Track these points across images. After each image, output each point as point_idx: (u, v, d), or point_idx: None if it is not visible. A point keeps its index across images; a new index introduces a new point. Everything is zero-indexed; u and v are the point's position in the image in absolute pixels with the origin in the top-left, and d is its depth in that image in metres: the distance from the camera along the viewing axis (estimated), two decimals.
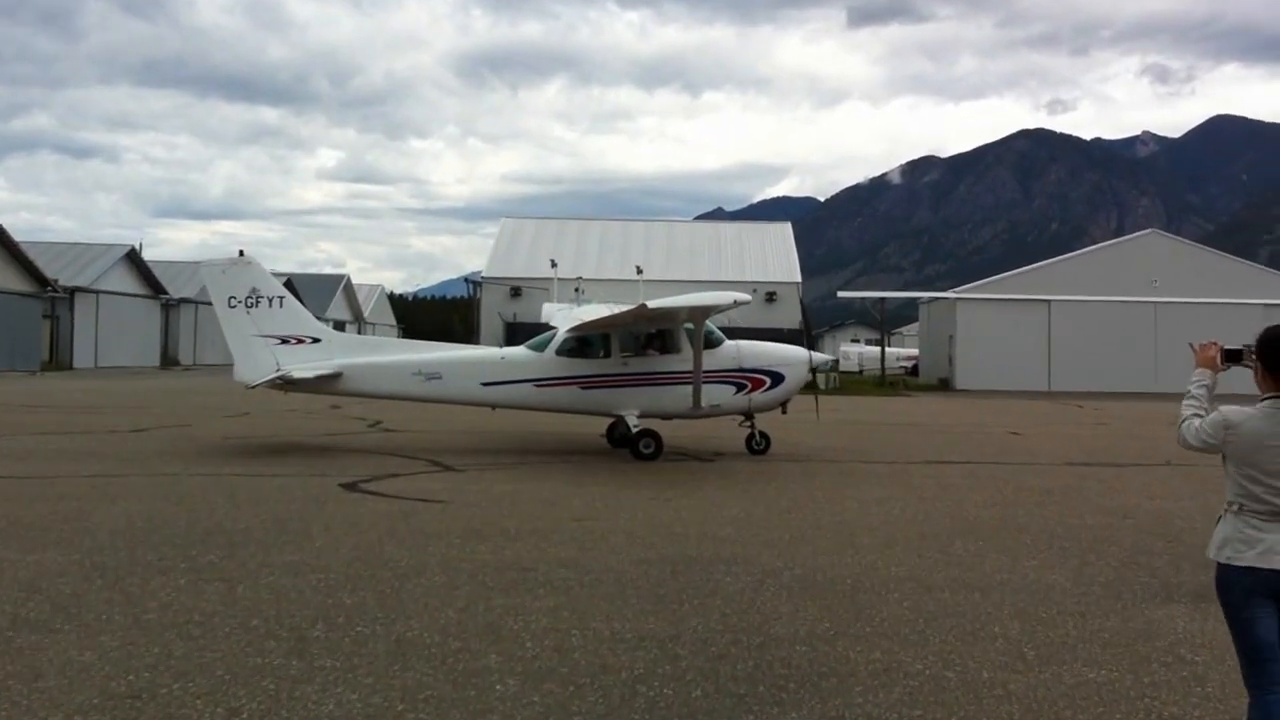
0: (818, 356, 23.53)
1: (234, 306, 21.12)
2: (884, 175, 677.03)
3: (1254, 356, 5.62)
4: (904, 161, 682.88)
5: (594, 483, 16.89)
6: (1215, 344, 5.95)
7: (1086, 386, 55.41)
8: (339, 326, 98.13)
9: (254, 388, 21.02)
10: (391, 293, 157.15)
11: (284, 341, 21.06)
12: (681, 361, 20.76)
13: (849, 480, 17.86)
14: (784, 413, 22.28)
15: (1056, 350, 58.38)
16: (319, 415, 28.53)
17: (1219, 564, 5.55)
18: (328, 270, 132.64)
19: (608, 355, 21.00)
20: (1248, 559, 5.39)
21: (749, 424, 21.72)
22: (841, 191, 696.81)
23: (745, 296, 19.46)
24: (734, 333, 22.93)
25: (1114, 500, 16.20)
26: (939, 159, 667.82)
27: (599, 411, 21.37)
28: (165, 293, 72.83)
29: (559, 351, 21.08)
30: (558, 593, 9.55)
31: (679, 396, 20.69)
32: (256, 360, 20.96)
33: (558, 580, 10.03)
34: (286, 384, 20.76)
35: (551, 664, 7.52)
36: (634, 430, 20.36)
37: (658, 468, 19.16)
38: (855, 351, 79.07)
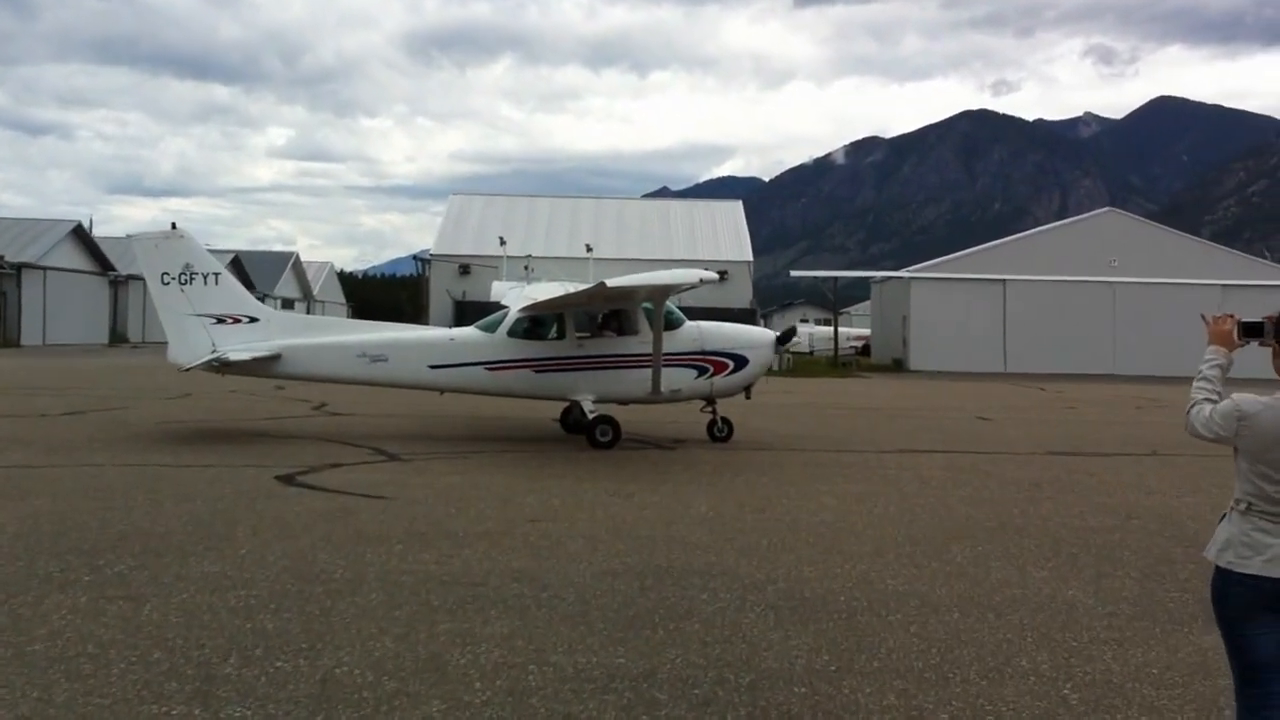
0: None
1: (167, 283, 19.62)
2: (828, 156, 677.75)
3: (1274, 338, 4.92)
4: (848, 142, 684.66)
5: (549, 475, 15.63)
6: (1231, 317, 5.15)
7: (1043, 368, 54.74)
8: (288, 305, 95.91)
9: (188, 370, 19.57)
10: (342, 270, 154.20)
11: (220, 321, 19.60)
12: (640, 343, 19.50)
13: (821, 473, 16.70)
14: (748, 398, 21.08)
15: (1012, 331, 57.63)
16: (262, 397, 26.96)
17: (1218, 568, 4.88)
18: (278, 248, 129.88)
19: (562, 336, 19.71)
20: (1253, 566, 4.72)
21: (711, 409, 20.53)
22: (786, 172, 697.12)
23: (712, 275, 18.25)
24: (686, 314, 21.74)
25: (1110, 496, 15.14)
26: (882, 140, 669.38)
27: (553, 396, 20.08)
28: (114, 269, 70.62)
29: (511, 333, 19.77)
30: (512, 614, 8.30)
31: (637, 381, 19.44)
32: (191, 340, 19.50)
33: (511, 598, 8.77)
34: (223, 366, 19.30)
35: (504, 713, 6.29)
36: (590, 416, 19.11)
37: (616, 458, 17.91)
38: (806, 332, 78.02)
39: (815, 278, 74.39)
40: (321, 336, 19.94)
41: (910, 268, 63.82)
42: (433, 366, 19.45)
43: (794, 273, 71.02)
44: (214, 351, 19.15)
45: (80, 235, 67.55)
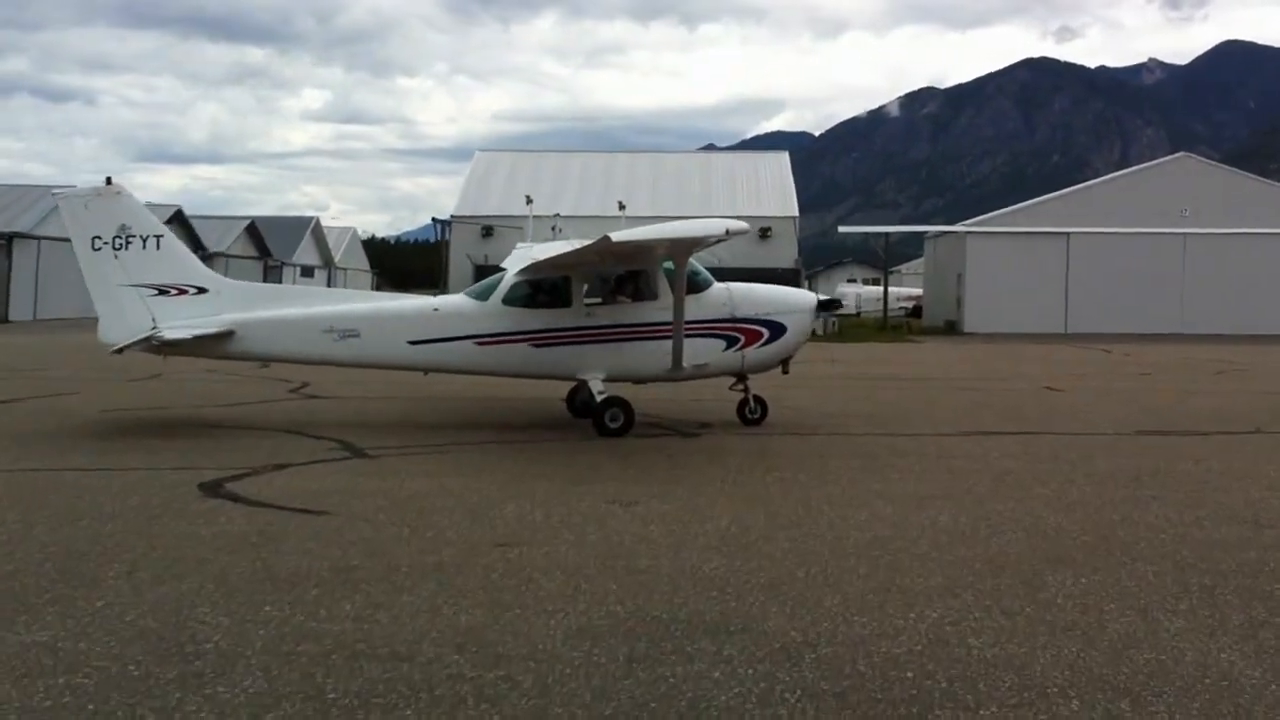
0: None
1: (99, 249, 16.84)
2: (882, 108, 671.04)
3: None
4: (903, 93, 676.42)
5: (538, 475, 12.96)
6: None
7: (1107, 328, 51.49)
8: (306, 272, 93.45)
9: (121, 351, 16.77)
10: (372, 236, 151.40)
11: (161, 292, 16.83)
12: (659, 310, 16.75)
13: (872, 466, 13.93)
14: (785, 372, 18.32)
15: (1075, 288, 54.34)
16: (241, 378, 24.04)
17: None
18: (309, 213, 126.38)
19: (567, 304, 16.97)
20: None
21: (742, 387, 17.79)
22: (838, 125, 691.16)
23: (741, 224, 15.38)
24: (722, 274, 19.02)
25: (1227, 493, 12.33)
26: (939, 90, 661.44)
27: (555, 375, 17.29)
28: None
29: (507, 300, 17.05)
30: (434, 717, 5.71)
31: (655, 355, 16.69)
32: (125, 316, 16.70)
33: (442, 683, 6.19)
34: (163, 346, 16.59)
35: None
36: (599, 398, 16.43)
37: (626, 449, 15.17)
38: (853, 292, 75.15)
39: (865, 234, 70.99)
40: (282, 309, 17.13)
41: (966, 221, 60.53)
42: (413, 342, 16.75)
43: (842, 229, 67.61)
44: (153, 328, 16.51)
45: None
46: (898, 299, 67.77)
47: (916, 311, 67.29)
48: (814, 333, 19.18)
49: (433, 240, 69.21)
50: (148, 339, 16.39)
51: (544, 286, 17.15)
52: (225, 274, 72.15)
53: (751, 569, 8.70)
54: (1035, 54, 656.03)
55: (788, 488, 12.24)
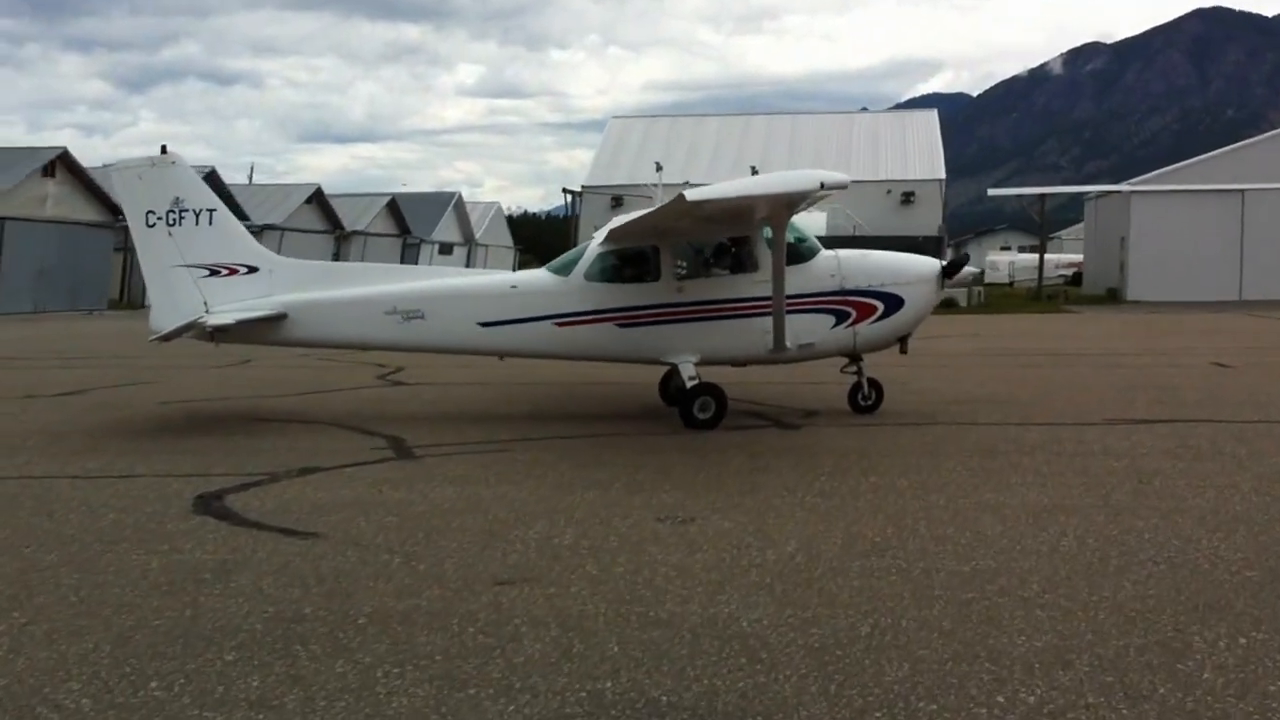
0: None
1: (153, 225, 15.44)
2: (1044, 65, 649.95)
3: None
4: (1066, 50, 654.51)
5: (595, 480, 11.06)
6: None
7: None
8: (445, 249, 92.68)
9: (167, 339, 15.41)
10: (524, 211, 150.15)
11: (213, 273, 15.39)
12: (758, 284, 14.73)
13: (990, 466, 11.75)
14: (904, 352, 16.13)
15: (1251, 251, 50.31)
16: (333, 364, 22.60)
17: None
18: (465, 190, 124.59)
19: (656, 278, 15.08)
20: None
21: (855, 369, 15.69)
22: (996, 85, 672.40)
23: (839, 176, 13.17)
24: (859, 242, 16.79)
25: None
26: (1104, 45, 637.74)
27: (643, 358, 15.33)
28: (248, 219, 68.46)
29: (589, 275, 15.19)
30: None
31: (754, 334, 14.70)
32: (177, 300, 15.29)
33: None
34: (215, 332, 14.99)
35: None
36: (688, 384, 14.53)
37: (710, 444, 13.23)
38: (1005, 260, 71.51)
39: (1019, 196, 67.08)
40: (339, 289, 15.44)
41: (1131, 180, 56.68)
42: (484, 324, 15.03)
43: (992, 191, 64.10)
44: (205, 312, 15.09)
45: (214, 183, 65.51)
46: (1055, 266, 64.10)
47: (1076, 279, 63.53)
48: (955, 303, 16.82)
49: (565, 214, 67.57)
50: (192, 324, 15.04)
51: (630, 258, 15.27)
52: (363, 254, 72.09)
53: (802, 621, 6.77)
54: (1208, 4, 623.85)
55: (881, 498, 10.18)
